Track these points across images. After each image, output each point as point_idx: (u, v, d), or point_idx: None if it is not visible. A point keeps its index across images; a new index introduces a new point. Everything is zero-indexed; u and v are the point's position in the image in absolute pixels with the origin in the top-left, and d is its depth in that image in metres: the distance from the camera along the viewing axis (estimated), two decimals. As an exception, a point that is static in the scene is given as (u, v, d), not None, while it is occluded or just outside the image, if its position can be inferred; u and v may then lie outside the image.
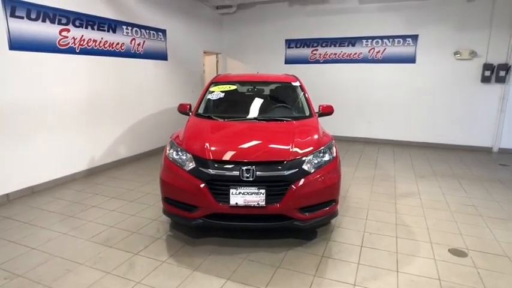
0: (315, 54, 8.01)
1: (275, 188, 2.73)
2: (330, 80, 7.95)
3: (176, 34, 6.96)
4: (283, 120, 3.57)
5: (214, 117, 3.63)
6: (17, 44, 4.07)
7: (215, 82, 4.30)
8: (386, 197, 4.28)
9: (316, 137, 3.17)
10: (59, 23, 4.54)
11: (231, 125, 3.43)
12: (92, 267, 2.71)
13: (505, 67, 6.42)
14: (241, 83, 4.37)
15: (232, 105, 4.04)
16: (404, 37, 7.14)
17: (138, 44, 6.00)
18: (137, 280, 2.53)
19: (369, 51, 7.48)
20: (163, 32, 6.60)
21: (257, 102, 3.97)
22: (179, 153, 3.00)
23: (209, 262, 2.78)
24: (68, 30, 4.68)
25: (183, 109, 4.02)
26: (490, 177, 5.11)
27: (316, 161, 2.91)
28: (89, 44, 5.02)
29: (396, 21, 7.15)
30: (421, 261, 2.80)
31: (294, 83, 4.30)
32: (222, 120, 3.55)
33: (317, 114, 3.93)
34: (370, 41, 7.43)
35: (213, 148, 2.89)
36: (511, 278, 2.60)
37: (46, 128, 4.48)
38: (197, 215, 2.83)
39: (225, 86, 4.18)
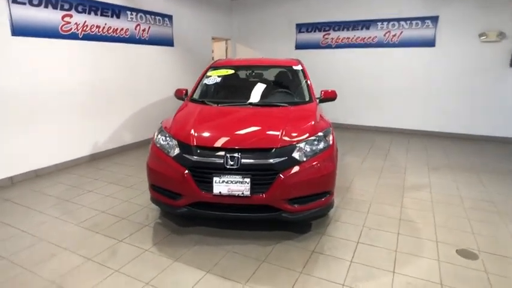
0: (327, 38, 7.60)
1: (261, 177, 2.52)
2: (342, 66, 7.53)
3: (183, 20, 6.77)
4: (279, 106, 3.33)
5: (208, 103, 3.45)
6: (19, 30, 4.01)
7: (214, 67, 4.09)
8: (393, 189, 3.97)
9: (311, 123, 2.92)
10: (62, 9, 4.45)
11: (222, 111, 3.23)
12: (75, 252, 2.63)
13: (536, 50, 5.80)
14: (240, 67, 4.14)
15: (228, 90, 3.84)
16: (423, 19, 6.60)
17: (143, 30, 5.86)
18: (116, 268, 2.43)
19: (384, 35, 6.99)
20: (170, 17, 6.43)
21: (254, 87, 3.74)
22: (166, 139, 2.84)
23: (192, 253, 2.63)
24: (71, 16, 4.59)
25: (179, 94, 3.86)
26: (512, 170, 4.66)
27: (308, 149, 2.66)
28: (92, 30, 4.92)
29: (414, 1, 6.61)
30: (422, 262, 2.52)
31: (295, 67, 4.03)
32: (216, 105, 3.35)
33: (318, 100, 3.65)
34: (385, 23, 6.94)
35: (197, 134, 2.71)
36: (524, 284, 2.29)
37: (49, 113, 4.46)
38: (181, 203, 2.68)
39: (222, 70, 3.97)
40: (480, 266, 2.48)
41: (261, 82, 3.87)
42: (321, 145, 2.74)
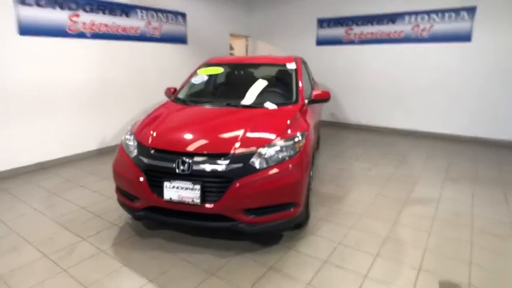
0: (349, 34, 7.10)
1: (213, 184, 2.33)
2: (365, 63, 7.00)
3: (198, 17, 6.73)
4: (256, 107, 3.10)
5: (188, 102, 3.33)
6: (26, 30, 4.21)
7: (207, 64, 3.96)
8: (393, 202, 3.55)
9: (281, 127, 2.66)
10: (69, 9, 4.61)
11: (193, 112, 3.09)
12: (37, 247, 2.67)
13: None
14: (231, 65, 3.97)
15: (213, 89, 3.70)
16: (457, 10, 5.87)
17: (155, 28, 5.91)
18: (65, 267, 2.41)
19: (412, 29, 6.35)
20: (183, 15, 6.42)
21: (238, 87, 3.55)
22: (130, 139, 2.78)
23: (146, 258, 2.53)
24: (78, 16, 4.74)
25: (168, 93, 3.79)
26: (549, 187, 3.95)
27: (270, 156, 2.42)
28: (101, 29, 5.05)
29: (448, -9, 5.92)
30: (392, 292, 2.18)
31: (288, 65, 3.76)
32: (193, 105, 3.23)
33: (307, 101, 3.35)
34: (414, 16, 6.29)
35: (155, 135, 2.61)
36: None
37: (57, 109, 4.65)
38: (138, 206, 2.59)
39: (212, 69, 3.82)
40: (462, 306, 2.08)
41: (248, 82, 3.66)
42: (287, 152, 2.48)
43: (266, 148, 2.43)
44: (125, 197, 2.69)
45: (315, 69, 7.49)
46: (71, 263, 2.46)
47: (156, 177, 2.43)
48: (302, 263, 2.47)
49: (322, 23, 7.42)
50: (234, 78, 3.87)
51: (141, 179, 2.47)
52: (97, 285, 2.23)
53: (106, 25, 5.11)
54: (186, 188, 2.33)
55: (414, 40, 6.36)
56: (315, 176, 4.25)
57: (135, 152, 2.60)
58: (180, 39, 6.49)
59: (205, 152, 2.39)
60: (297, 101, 3.26)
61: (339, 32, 7.23)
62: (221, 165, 2.32)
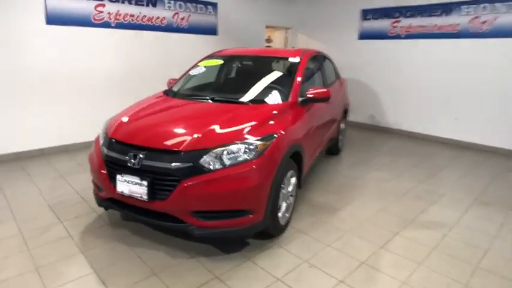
0: (396, 27, 6.49)
1: (161, 182, 2.31)
2: (412, 61, 6.35)
3: (230, 7, 6.74)
4: (236, 103, 3.01)
5: (175, 95, 3.36)
6: (53, 19, 4.64)
7: (209, 56, 3.96)
8: (395, 221, 3.17)
9: (248, 127, 2.53)
10: (94, -1, 4.97)
11: (170, 104, 3.10)
12: (18, 225, 2.93)
13: None
14: (234, 58, 3.89)
15: (206, 82, 3.66)
16: (527, -1, 4.99)
17: (182, 18, 6.06)
18: (30, 247, 2.61)
19: (470, 22, 5.57)
20: (214, 5, 6.48)
21: (234, 80, 3.47)
22: (102, 129, 2.89)
23: (105, 248, 2.63)
24: (104, 6, 5.07)
25: (169, 84, 3.87)
26: None
27: (226, 157, 2.32)
28: (125, 19, 5.34)
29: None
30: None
31: (291, 59, 3.56)
32: (178, 98, 3.25)
33: (301, 100, 3.14)
34: (473, 7, 5.50)
35: (118, 125, 2.67)
36: None
37: (81, 95, 5.05)
38: (103, 196, 2.69)
39: (211, 61, 3.80)
40: None
41: (243, 75, 3.56)
42: (246, 154, 2.35)
43: (221, 148, 2.33)
44: (95, 185, 2.82)
45: (356, 65, 7.05)
46: (37, 244, 2.66)
47: (113, 169, 2.50)
48: (253, 276, 2.34)
49: (366, 14, 6.90)
50: (232, 71, 3.80)
51: (103, 170, 2.56)
52: (47, 268, 2.37)
53: (132, 15, 5.39)
54: (136, 183, 2.35)
55: (472, 35, 5.57)
56: (318, 184, 4.00)
57: (101, 142, 2.70)
58: (210, 30, 6.57)
59: (156, 147, 2.38)
60: (286, 99, 3.07)
61: (384, 24, 6.66)
62: (170, 163, 2.29)
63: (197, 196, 2.26)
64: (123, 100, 5.49)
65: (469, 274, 2.44)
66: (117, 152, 2.49)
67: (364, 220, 3.17)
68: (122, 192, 2.43)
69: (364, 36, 7.00)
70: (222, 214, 2.34)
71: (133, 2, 5.36)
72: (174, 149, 2.32)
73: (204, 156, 2.29)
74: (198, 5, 6.24)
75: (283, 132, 2.62)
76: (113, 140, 2.58)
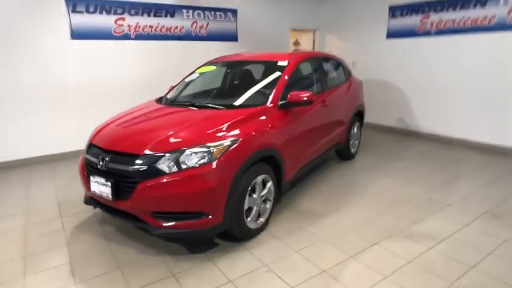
0: (425, 23, 6.13)
1: (123, 183, 2.55)
2: (443, 59, 5.94)
3: (250, 13, 6.94)
4: (214, 108, 3.16)
5: (163, 101, 3.62)
6: (77, 34, 5.25)
7: (208, 62, 4.19)
8: (378, 231, 3.05)
9: (209, 131, 2.66)
10: (115, 13, 5.49)
11: (150, 110, 3.34)
12: (26, 217, 3.39)
13: None
14: (225, 64, 4.06)
15: (196, 88, 3.86)
16: None
17: (201, 27, 6.40)
18: (29, 237, 3.02)
19: (509, 13, 5.08)
20: (234, 11, 6.73)
21: (217, 86, 3.63)
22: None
23: (87, 242, 2.94)
24: (124, 19, 5.59)
25: (168, 91, 4.16)
26: None
27: (182, 161, 2.48)
28: (145, 30, 5.82)
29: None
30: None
31: (280, 63, 3.62)
32: (163, 104, 3.51)
33: (281, 104, 3.20)
34: (508, -4, 5.01)
35: (97, 131, 2.99)
36: None
37: (101, 104, 5.61)
38: (87, 195, 3.01)
39: (205, 67, 4.01)
40: None
41: (232, 80, 3.71)
42: (202, 158, 2.49)
43: (177, 152, 2.49)
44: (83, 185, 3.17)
45: (384, 65, 6.83)
46: (34, 235, 3.07)
47: (89, 171, 2.80)
48: (207, 276, 2.46)
49: (394, 11, 6.62)
50: (222, 77, 3.97)
51: (84, 171, 2.89)
52: (33, 256, 2.75)
53: (151, 26, 5.85)
54: (103, 184, 2.63)
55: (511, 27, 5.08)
56: (312, 189, 3.98)
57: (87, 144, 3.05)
58: (230, 37, 6.83)
59: (119, 151, 2.63)
60: (264, 103, 3.15)
61: (413, 21, 6.33)
62: (129, 166, 2.51)
63: (154, 197, 2.45)
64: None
65: (436, 291, 2.29)
66: (92, 155, 2.80)
67: (345, 229, 3.11)
68: (95, 192, 2.72)
69: (392, 34, 6.71)
70: (179, 215, 2.50)
71: (152, 14, 5.82)
72: (134, 153, 2.55)
73: (161, 160, 2.47)
74: (217, 13, 6.54)
75: (245, 137, 2.69)
76: (91, 145, 2.90)
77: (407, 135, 6.63)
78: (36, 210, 3.56)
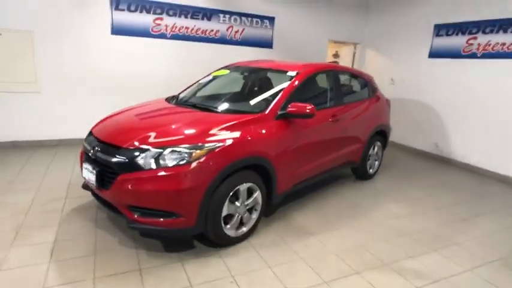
0: (472, 44, 5.60)
1: (106, 173, 2.61)
2: (488, 84, 5.39)
3: (288, 21, 6.86)
4: (211, 111, 3.14)
5: (170, 101, 3.67)
6: (117, 30, 5.56)
7: (225, 67, 4.20)
8: (365, 260, 2.80)
9: (194, 134, 2.64)
10: (154, 13, 5.74)
11: (154, 107, 3.39)
12: (36, 196, 3.61)
13: None
14: (239, 69, 4.03)
15: (203, 90, 3.88)
16: None
17: (236, 31, 6.46)
18: (29, 214, 3.22)
19: None
20: (271, 19, 6.70)
21: (224, 90, 3.62)
22: None
23: (72, 225, 3.02)
24: (162, 19, 5.82)
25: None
26: None
27: (161, 159, 2.47)
28: (181, 31, 6.00)
29: None
30: None
31: (289, 73, 3.52)
32: (169, 103, 3.56)
33: (279, 114, 3.09)
34: None
35: (98, 122, 3.10)
36: None
37: (136, 96, 5.80)
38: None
39: (220, 71, 4.03)
40: None
41: (240, 85, 3.68)
42: (178, 159, 2.46)
43: (157, 150, 2.49)
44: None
45: (423, 85, 6.40)
46: (35, 211, 3.26)
47: (85, 158, 2.92)
48: (170, 277, 2.43)
49: (439, 29, 6.15)
50: (232, 82, 3.94)
51: (82, 157, 3.02)
52: (25, 230, 2.91)
53: (187, 27, 6.02)
54: (90, 171, 2.71)
55: None
56: (311, 203, 3.79)
57: None
58: (265, 43, 6.81)
59: (107, 142, 2.70)
60: (262, 111, 3.06)
61: (458, 41, 5.83)
62: (112, 157, 2.57)
63: (130, 191, 2.47)
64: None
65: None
66: (88, 143, 2.92)
67: (330, 251, 2.90)
68: (85, 177, 2.82)
69: (435, 54, 6.24)
70: (152, 212, 2.50)
71: (189, 16, 5.99)
72: (118, 145, 2.60)
73: (141, 155, 2.50)
74: (254, 19, 6.56)
75: (229, 143, 2.62)
76: (90, 133, 3.03)
77: (439, 161, 6.09)
78: (47, 189, 3.79)
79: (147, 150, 2.51)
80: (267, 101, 3.20)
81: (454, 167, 5.80)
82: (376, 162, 4.91)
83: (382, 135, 4.84)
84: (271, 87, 3.50)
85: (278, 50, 6.91)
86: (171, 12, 5.84)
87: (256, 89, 3.62)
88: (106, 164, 2.61)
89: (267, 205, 3.24)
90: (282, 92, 3.25)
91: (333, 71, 3.92)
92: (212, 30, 6.24)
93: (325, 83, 3.87)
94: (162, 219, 2.49)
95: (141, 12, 5.63)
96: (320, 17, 7.22)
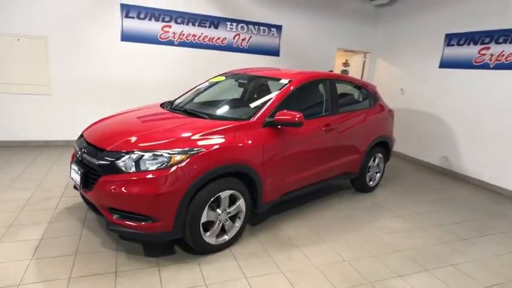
0: (484, 55, 5.37)
1: (90, 175, 2.64)
2: (503, 97, 5.13)
3: (295, 29, 6.84)
4: (199, 116, 3.14)
5: (163, 106, 3.69)
6: (126, 37, 5.71)
7: (222, 74, 4.22)
8: (348, 277, 2.68)
9: (172, 137, 2.64)
10: (163, 21, 5.86)
11: (145, 112, 3.41)
12: (37, 192, 3.72)
13: None
14: (234, 76, 4.02)
15: (197, 96, 3.87)
16: None
17: (243, 39, 6.49)
18: (26, 209, 3.31)
19: None
20: (278, 27, 6.70)
21: (216, 96, 3.61)
22: None
23: (61, 224, 3.09)
24: (170, 26, 5.93)
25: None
26: None
27: (140, 163, 2.48)
28: (188, 38, 6.09)
29: None
30: None
31: (282, 81, 3.48)
32: (162, 108, 3.58)
33: (266, 122, 3.04)
34: None
35: (90, 125, 3.15)
36: None
37: (141, 99, 5.97)
38: (75, 181, 3.21)
39: (216, 77, 4.03)
40: None
41: (233, 92, 3.67)
42: (156, 164, 2.46)
43: (136, 154, 2.50)
44: (71, 170, 3.38)
45: (433, 97, 6.21)
46: (29, 209, 3.34)
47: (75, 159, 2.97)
48: (144, 281, 2.41)
49: (450, 39, 5.95)
50: (225, 88, 3.93)
51: (73, 158, 3.08)
52: (15, 227, 2.98)
53: (194, 35, 6.11)
54: (76, 172, 2.76)
55: None
56: (302, 214, 3.70)
57: None
58: (271, 51, 6.80)
59: (92, 144, 2.73)
60: (249, 118, 3.03)
61: (470, 51, 5.61)
62: (96, 159, 2.60)
63: (110, 193, 2.48)
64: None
65: None
66: (78, 144, 2.97)
67: (313, 265, 2.80)
68: (72, 178, 2.87)
69: (446, 64, 6.03)
70: (129, 215, 2.50)
71: (196, 23, 6.08)
72: (102, 147, 2.63)
73: (122, 158, 2.51)
74: (261, 27, 6.57)
75: (210, 149, 2.60)
76: (81, 135, 3.09)
77: (449, 176, 5.84)
78: (45, 188, 3.89)
79: (128, 153, 2.52)
80: (256, 108, 3.16)
81: (465, 183, 5.54)
82: (378, 175, 4.76)
83: (383, 146, 4.68)
84: (263, 94, 3.46)
85: (285, 58, 6.88)
86: (179, 20, 5.95)
87: (248, 96, 3.60)
88: (90, 165, 2.64)
89: (253, 214, 3.19)
90: (271, 99, 3.20)
91: (329, 80, 3.84)
92: (219, 38, 6.30)
93: (320, 92, 3.80)
94: (139, 223, 2.49)
95: (150, 19, 5.76)
96: (329, 25, 7.16)
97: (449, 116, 5.95)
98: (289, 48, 6.89)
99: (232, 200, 2.84)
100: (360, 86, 4.44)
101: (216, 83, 3.99)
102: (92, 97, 5.69)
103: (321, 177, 3.75)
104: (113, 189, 2.47)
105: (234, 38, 6.41)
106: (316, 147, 3.56)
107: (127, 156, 2.51)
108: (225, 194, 2.74)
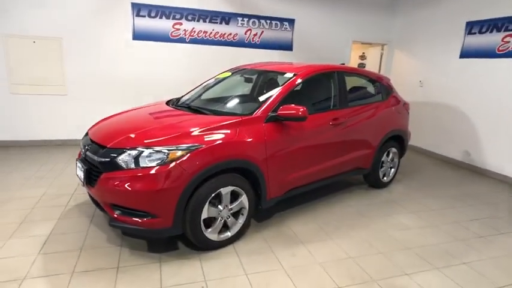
0: (508, 42, 5.06)
1: (93, 171, 2.68)
2: (525, 87, 4.83)
3: (309, 23, 6.70)
4: (202, 112, 3.12)
5: (168, 103, 3.69)
6: (138, 35, 5.78)
7: (229, 69, 4.19)
8: (352, 274, 2.59)
9: (172, 133, 2.63)
10: (173, 18, 5.89)
11: (148, 110, 3.42)
12: (49, 189, 3.85)
13: None
14: (240, 71, 3.97)
15: (204, 93, 3.84)
16: None
17: (255, 34, 6.43)
18: (39, 205, 3.42)
19: None
20: (291, 21, 6.59)
21: (221, 91, 3.58)
22: None
23: (70, 221, 3.17)
24: (181, 24, 5.96)
25: (189, 93, 4.28)
26: None
27: (139, 159, 2.48)
28: (199, 35, 6.10)
29: None
30: None
31: (287, 75, 3.40)
32: (168, 105, 3.59)
33: (269, 116, 2.98)
34: None
35: (95, 123, 3.19)
36: None
37: (154, 96, 6.03)
38: (82, 177, 3.27)
39: (223, 73, 4.01)
40: None
41: (238, 87, 3.63)
42: (154, 160, 2.46)
43: (135, 150, 2.51)
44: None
45: (453, 89, 5.94)
46: (41, 206, 3.45)
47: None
48: (145, 277, 2.43)
49: (472, 27, 5.64)
50: (232, 84, 3.88)
51: (79, 156, 3.14)
52: (27, 223, 3.08)
53: (205, 32, 6.10)
54: (80, 169, 2.81)
55: None
56: (311, 211, 3.62)
57: None
58: (284, 46, 6.70)
59: (95, 142, 2.77)
60: (250, 114, 2.98)
61: (492, 39, 5.30)
62: (98, 156, 2.63)
63: (111, 189, 2.51)
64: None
65: None
66: (83, 142, 3.03)
67: (317, 263, 2.73)
68: (77, 175, 2.93)
69: (467, 54, 5.73)
70: (130, 211, 2.52)
71: (207, 20, 6.07)
72: (103, 145, 2.66)
73: (121, 155, 2.53)
74: (273, 22, 6.48)
75: (209, 145, 2.58)
76: (86, 133, 3.14)
77: (470, 171, 5.56)
78: (58, 185, 4.01)
79: (128, 150, 2.54)
80: (259, 103, 3.11)
81: (487, 178, 5.26)
82: (392, 170, 4.59)
83: (398, 140, 4.51)
84: (269, 89, 3.40)
85: (298, 52, 6.76)
86: (189, 17, 5.96)
87: (254, 91, 3.55)
88: (92, 162, 2.69)
89: (258, 210, 3.15)
90: (276, 94, 3.14)
91: (337, 73, 3.72)
92: (230, 34, 6.27)
93: (328, 85, 3.69)
94: (140, 219, 2.50)
95: (160, 18, 5.80)
96: (343, 18, 6.96)
97: (470, 108, 5.66)
98: (302, 43, 6.76)
99: (235, 196, 2.81)
100: (371, 78, 4.29)
101: (223, 79, 3.96)
102: (106, 96, 5.81)
103: (329, 172, 3.66)
104: (114, 185, 2.49)
105: (245, 34, 6.36)
106: (323, 142, 3.46)
107: (127, 152, 2.53)
108: (226, 190, 2.71)
